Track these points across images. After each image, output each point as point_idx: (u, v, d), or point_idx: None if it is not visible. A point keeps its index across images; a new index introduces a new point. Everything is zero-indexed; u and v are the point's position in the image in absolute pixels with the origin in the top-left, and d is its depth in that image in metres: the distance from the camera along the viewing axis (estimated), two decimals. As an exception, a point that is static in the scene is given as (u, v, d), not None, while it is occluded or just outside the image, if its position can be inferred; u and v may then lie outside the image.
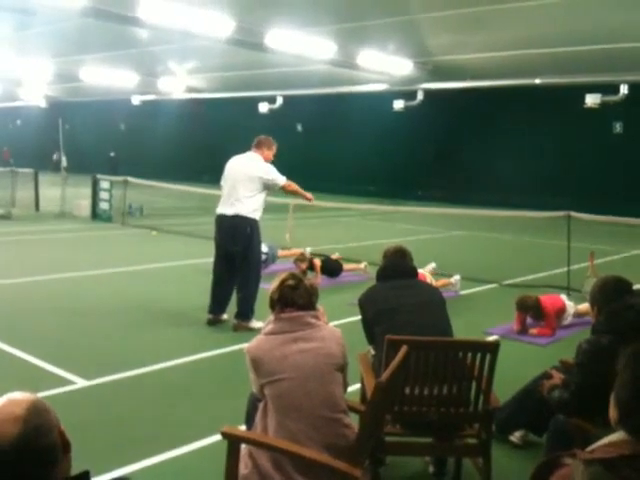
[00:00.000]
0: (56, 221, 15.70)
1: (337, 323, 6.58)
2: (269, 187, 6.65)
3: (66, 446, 1.53)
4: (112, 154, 36.15)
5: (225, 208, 6.58)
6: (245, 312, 6.61)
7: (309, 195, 7.15)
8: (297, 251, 9.83)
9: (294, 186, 6.85)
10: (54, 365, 5.28)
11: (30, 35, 21.33)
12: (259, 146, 6.75)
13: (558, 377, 3.54)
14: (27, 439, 1.42)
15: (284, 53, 17.81)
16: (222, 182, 6.75)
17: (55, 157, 34.88)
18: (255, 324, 6.44)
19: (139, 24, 15.08)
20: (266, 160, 6.72)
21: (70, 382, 4.95)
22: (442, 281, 8.57)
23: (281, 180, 6.69)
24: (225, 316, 6.81)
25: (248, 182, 6.50)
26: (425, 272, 7.98)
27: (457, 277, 8.77)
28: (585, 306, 7.25)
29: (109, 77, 27.14)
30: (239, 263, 6.62)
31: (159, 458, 3.81)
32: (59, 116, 31.71)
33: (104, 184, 16.28)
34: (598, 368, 3.18)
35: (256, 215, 6.57)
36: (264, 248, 9.78)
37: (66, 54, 24.26)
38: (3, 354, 5.59)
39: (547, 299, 6.85)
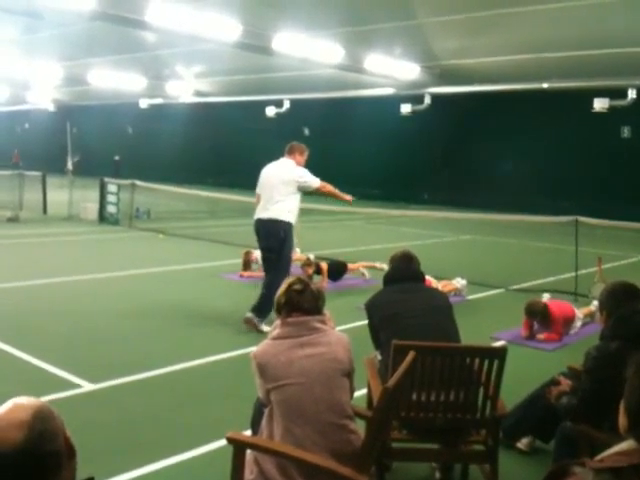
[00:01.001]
0: (64, 224, 15.74)
1: (344, 327, 6.56)
2: (304, 189, 6.75)
3: (71, 452, 1.52)
4: (116, 157, 36.21)
5: (261, 213, 6.73)
6: (261, 309, 6.63)
7: (348, 196, 7.14)
8: (302, 257, 9.81)
9: (329, 187, 6.90)
10: (60, 368, 5.28)
11: (38, 38, 21.44)
12: (291, 152, 6.91)
13: (566, 384, 3.51)
14: (32, 445, 1.41)
15: (291, 57, 17.83)
16: (258, 190, 6.87)
17: (73, 159, 34.85)
18: (264, 328, 6.45)
19: (147, 28, 15.13)
20: (298, 165, 6.86)
21: (76, 385, 4.95)
22: (448, 287, 8.53)
23: (315, 182, 6.77)
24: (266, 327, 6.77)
25: (282, 186, 6.63)
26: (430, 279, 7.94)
27: (463, 282, 8.73)
28: (588, 308, 7.28)
29: (117, 80, 27.24)
30: (272, 264, 6.73)
31: (164, 463, 3.80)
32: (67, 119, 31.90)
33: (112, 187, 16.32)
34: (606, 374, 3.15)
35: (290, 217, 6.68)
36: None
37: (74, 57, 24.36)
38: (10, 357, 5.60)
39: (555, 306, 6.82)
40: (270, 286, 6.61)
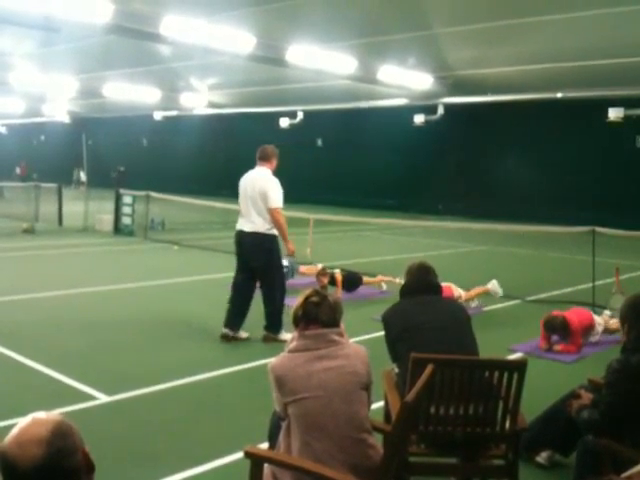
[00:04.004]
0: (79, 236, 15.83)
1: (359, 339, 6.53)
2: (264, 201, 6.50)
3: (90, 467, 1.52)
4: (121, 169, 36.38)
5: (243, 224, 6.65)
6: (273, 325, 6.67)
7: (291, 245, 6.75)
8: (316, 268, 9.77)
9: (282, 220, 6.54)
10: (76, 380, 5.29)
11: (54, 52, 21.64)
12: (267, 158, 6.72)
13: (587, 397, 3.46)
14: (51, 461, 1.40)
15: (304, 68, 17.89)
16: (239, 199, 6.77)
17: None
18: (285, 336, 6.44)
19: (161, 41, 15.25)
20: (273, 170, 6.73)
21: (92, 397, 4.95)
22: (475, 290, 8.49)
23: (274, 202, 6.48)
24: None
25: (261, 199, 6.50)
26: (451, 285, 7.91)
27: (494, 281, 8.75)
28: (615, 322, 7.11)
29: (132, 93, 27.46)
30: (261, 278, 6.69)
31: (180, 476, 3.78)
32: (82, 132, 32.14)
33: (127, 199, 16.42)
34: (628, 388, 3.11)
35: (274, 231, 6.59)
36: (284, 262, 9.78)
37: (90, 70, 24.58)
38: (26, 369, 5.61)
39: (574, 315, 6.72)
40: (271, 301, 6.66)
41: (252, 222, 6.54)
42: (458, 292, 8.00)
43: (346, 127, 28.36)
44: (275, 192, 6.52)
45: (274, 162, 6.75)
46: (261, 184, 6.57)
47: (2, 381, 5.33)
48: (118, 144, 40.06)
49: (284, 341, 6.25)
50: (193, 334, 6.93)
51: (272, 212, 6.48)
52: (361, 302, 8.85)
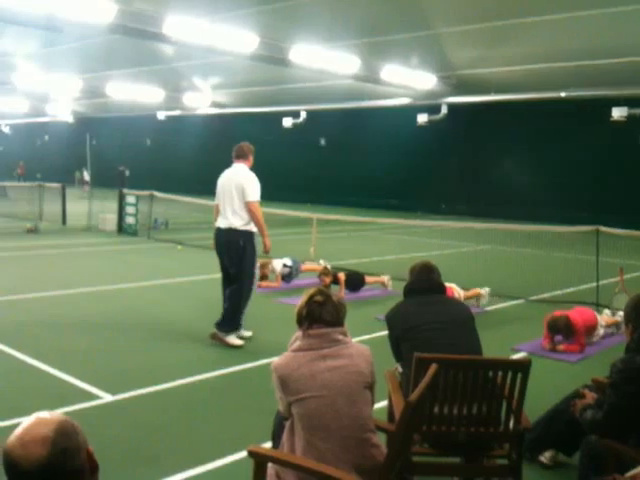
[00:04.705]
0: (83, 235, 15.85)
1: (363, 338, 6.53)
2: (242, 196, 6.47)
3: (93, 467, 1.51)
4: (121, 168, 36.43)
5: (220, 222, 6.63)
6: (224, 323, 6.54)
7: (268, 241, 6.61)
8: (319, 266, 9.78)
9: (259, 214, 6.46)
10: (80, 380, 5.29)
11: (58, 52, 21.70)
12: (243, 156, 6.69)
13: (591, 397, 3.45)
14: (54, 461, 1.40)
15: (308, 68, 17.89)
16: (215, 199, 6.74)
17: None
18: (233, 340, 6.45)
19: (165, 41, 15.27)
20: (251, 166, 6.71)
21: (96, 397, 4.96)
22: (472, 291, 8.50)
23: (252, 196, 6.44)
24: (247, 333, 6.76)
25: (237, 195, 6.47)
26: (452, 286, 7.91)
27: (487, 289, 8.69)
28: (614, 319, 7.19)
29: (135, 93, 27.50)
30: (233, 276, 6.61)
31: (183, 475, 3.78)
32: (86, 132, 32.23)
33: (130, 198, 16.44)
34: (632, 388, 3.10)
35: (251, 227, 6.54)
36: (288, 262, 9.79)
37: (93, 70, 24.64)
38: (30, 368, 5.62)
39: (577, 314, 6.72)
40: (233, 298, 6.55)
41: (227, 219, 6.52)
42: (458, 294, 7.99)
43: (349, 127, 28.37)
44: (252, 186, 6.48)
45: (251, 158, 6.73)
46: (238, 180, 6.53)
47: (6, 381, 5.34)
48: (121, 144, 40.13)
49: (231, 345, 6.31)
50: (197, 334, 6.93)
51: (249, 206, 6.42)
52: (365, 302, 8.85)
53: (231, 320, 6.56)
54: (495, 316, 8.31)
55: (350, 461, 2.66)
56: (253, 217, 6.45)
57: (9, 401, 4.81)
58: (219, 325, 6.57)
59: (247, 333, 6.77)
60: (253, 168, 6.78)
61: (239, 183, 6.49)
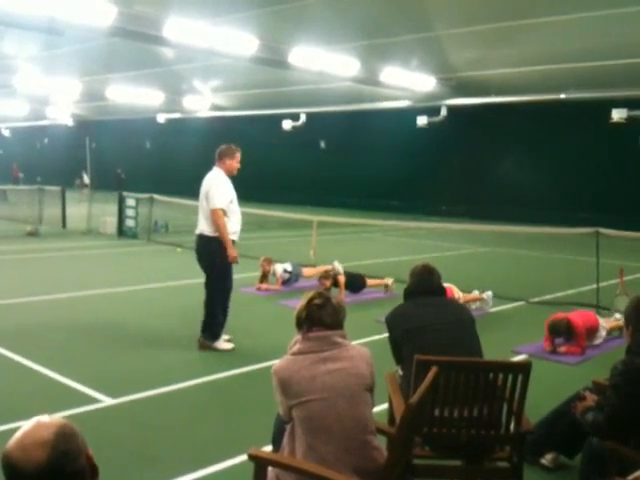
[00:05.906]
0: (83, 238, 15.85)
1: (363, 341, 6.53)
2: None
3: (93, 471, 1.51)
4: (118, 171, 36.40)
5: (197, 227, 6.53)
6: (206, 331, 6.48)
7: (232, 252, 6.26)
8: (322, 269, 9.73)
9: (220, 221, 6.19)
10: (80, 383, 5.29)
11: (58, 55, 21.69)
12: (219, 158, 6.50)
13: (591, 399, 3.45)
14: (55, 464, 1.40)
15: (307, 70, 17.90)
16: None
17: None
18: (222, 345, 6.42)
19: (165, 43, 15.28)
20: (230, 170, 6.44)
21: (97, 400, 4.95)
22: (472, 296, 8.46)
23: (212, 204, 6.22)
24: (226, 337, 6.65)
25: (205, 200, 6.35)
26: (452, 286, 7.89)
27: (489, 293, 8.63)
28: (617, 322, 7.15)
29: (135, 96, 27.51)
30: (205, 282, 6.55)
31: (184, 478, 3.77)
32: (86, 134, 32.22)
33: (130, 201, 16.43)
34: (633, 390, 3.10)
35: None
36: (288, 267, 9.76)
37: (93, 73, 24.64)
38: (30, 372, 5.62)
39: (578, 317, 6.71)
40: (207, 305, 6.49)
41: (200, 225, 6.43)
42: (458, 294, 7.98)
43: (349, 129, 28.37)
44: (215, 192, 6.25)
45: (226, 161, 6.43)
46: (206, 185, 6.41)
47: (6, 384, 5.33)
48: (121, 147, 40.13)
49: (221, 350, 6.30)
50: (197, 336, 6.91)
51: (211, 213, 6.23)
52: (365, 304, 8.84)
53: (211, 329, 6.47)
54: (496, 318, 8.30)
55: (351, 464, 2.65)
56: (213, 224, 6.23)
57: (9, 404, 4.80)
58: (203, 332, 6.51)
59: (225, 337, 6.64)
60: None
61: (206, 189, 6.37)
